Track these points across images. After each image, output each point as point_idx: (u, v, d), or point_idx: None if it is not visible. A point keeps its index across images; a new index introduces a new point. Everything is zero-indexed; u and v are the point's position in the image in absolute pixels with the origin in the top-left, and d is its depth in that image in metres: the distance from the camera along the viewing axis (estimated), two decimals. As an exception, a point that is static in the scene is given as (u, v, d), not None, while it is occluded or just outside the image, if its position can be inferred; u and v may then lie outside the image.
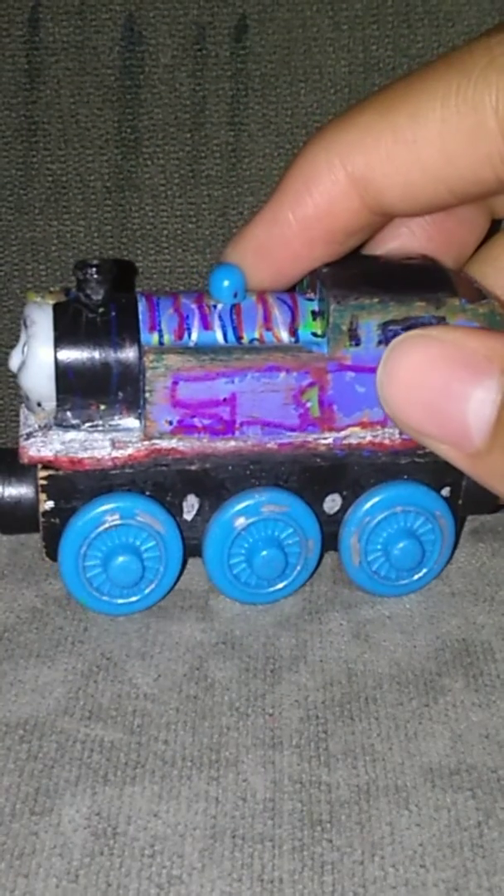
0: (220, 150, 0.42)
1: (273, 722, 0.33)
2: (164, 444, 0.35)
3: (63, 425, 0.35)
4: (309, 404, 0.35)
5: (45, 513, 0.35)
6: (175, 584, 0.37)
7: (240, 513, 0.36)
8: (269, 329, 0.35)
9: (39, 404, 0.35)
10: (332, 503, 0.37)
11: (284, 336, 0.35)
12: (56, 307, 0.35)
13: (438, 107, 0.31)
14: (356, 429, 0.35)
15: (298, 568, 0.37)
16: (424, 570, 0.37)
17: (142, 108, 0.42)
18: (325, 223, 0.34)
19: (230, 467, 0.36)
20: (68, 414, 0.35)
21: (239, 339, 0.35)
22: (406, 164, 0.32)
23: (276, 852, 0.28)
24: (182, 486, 0.36)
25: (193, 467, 0.35)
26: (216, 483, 0.36)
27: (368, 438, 0.36)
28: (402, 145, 0.32)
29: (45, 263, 0.43)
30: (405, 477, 0.37)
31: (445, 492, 0.37)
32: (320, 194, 0.33)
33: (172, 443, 0.35)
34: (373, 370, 0.34)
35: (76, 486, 0.35)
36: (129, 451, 0.35)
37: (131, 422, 0.35)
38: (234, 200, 0.43)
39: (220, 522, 0.36)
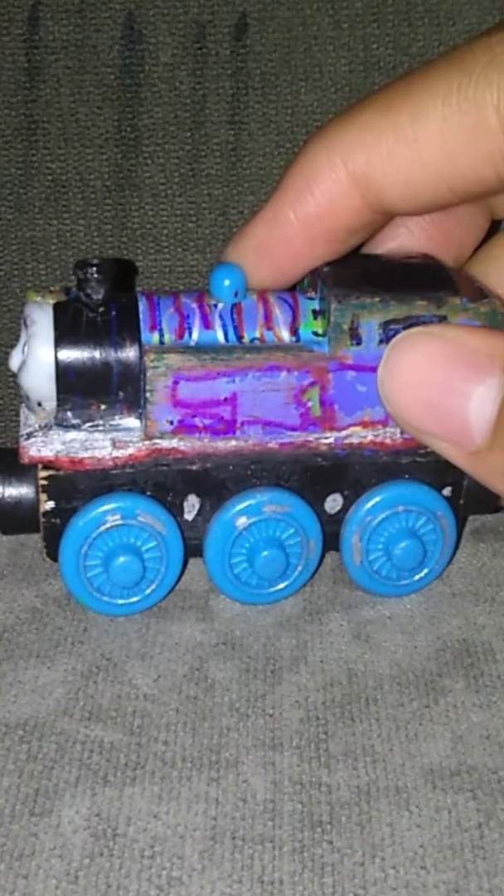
0: (221, 149, 0.42)
1: (273, 723, 0.33)
2: (165, 443, 0.35)
3: (63, 425, 0.35)
4: (310, 404, 0.35)
5: (46, 513, 0.35)
6: (176, 584, 0.37)
7: (241, 513, 0.36)
8: (269, 328, 0.35)
9: (40, 404, 0.35)
10: (333, 503, 0.37)
11: (285, 335, 0.35)
12: (56, 307, 0.35)
13: (439, 105, 0.31)
14: (357, 428, 0.35)
15: (299, 568, 0.37)
16: (426, 571, 0.37)
17: (142, 106, 0.42)
18: (326, 222, 0.34)
19: (231, 467, 0.36)
20: (69, 414, 0.35)
21: (240, 338, 0.35)
22: (407, 163, 0.32)
23: (276, 853, 0.28)
24: (183, 485, 0.36)
25: (194, 467, 0.35)
26: (217, 483, 0.36)
27: (370, 438, 0.36)
28: (403, 144, 0.31)
29: (45, 263, 0.43)
30: (406, 476, 0.37)
31: (447, 491, 0.37)
32: (321, 193, 0.33)
33: (173, 442, 0.35)
34: (374, 369, 0.34)
35: (77, 486, 0.35)
36: (130, 450, 0.35)
37: (132, 421, 0.35)
38: (234, 199, 0.43)
39: (221, 522, 0.36)
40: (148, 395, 0.34)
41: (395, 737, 0.32)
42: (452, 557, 0.39)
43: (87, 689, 0.34)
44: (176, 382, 0.34)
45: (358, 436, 0.35)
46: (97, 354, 0.34)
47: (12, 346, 0.36)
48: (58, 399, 0.35)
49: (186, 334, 0.34)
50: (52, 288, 0.36)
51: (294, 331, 0.35)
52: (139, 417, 0.35)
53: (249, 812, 0.30)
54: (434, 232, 0.37)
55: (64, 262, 0.43)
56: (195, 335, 0.34)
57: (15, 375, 0.35)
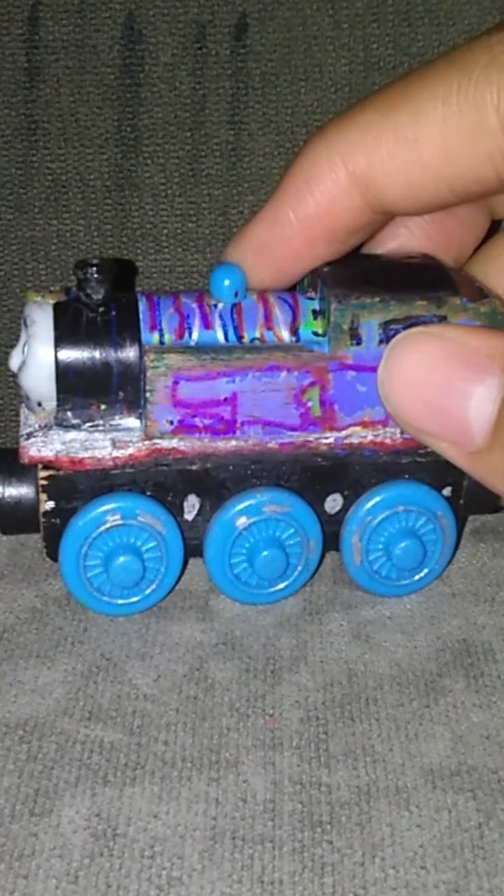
0: (221, 149, 0.42)
1: (273, 723, 0.33)
2: (165, 443, 0.35)
3: (63, 425, 0.35)
4: (310, 404, 0.35)
5: (46, 513, 0.35)
6: (176, 584, 0.37)
7: (241, 513, 0.36)
8: (269, 328, 0.35)
9: (40, 404, 0.35)
10: (333, 503, 0.37)
11: (285, 335, 0.35)
12: (56, 307, 0.35)
13: (439, 105, 0.31)
14: (357, 428, 0.35)
15: (299, 568, 0.37)
16: (426, 571, 0.37)
17: (142, 106, 0.42)
18: (326, 222, 0.34)
19: (231, 467, 0.35)
20: (69, 414, 0.35)
21: (240, 338, 0.35)
22: (407, 163, 0.32)
23: (276, 854, 0.28)
24: (183, 485, 0.36)
25: (194, 467, 0.35)
26: (217, 483, 0.36)
27: (370, 438, 0.35)
28: (403, 144, 0.31)
29: (45, 263, 0.43)
30: (406, 476, 0.37)
31: (447, 491, 0.37)
32: (321, 193, 0.33)
33: (173, 442, 0.35)
34: (374, 369, 0.34)
35: (77, 486, 0.35)
36: (130, 450, 0.35)
37: (132, 421, 0.35)
38: (234, 199, 0.43)
39: (221, 522, 0.36)
40: (148, 395, 0.34)
41: (395, 737, 0.32)
42: (452, 557, 0.39)
43: (87, 689, 0.34)
44: (176, 382, 0.34)
45: (358, 436, 0.35)
46: (97, 354, 0.34)
47: (12, 346, 0.36)
48: (58, 399, 0.35)
49: (186, 334, 0.34)
50: (52, 288, 0.36)
51: (294, 331, 0.35)
52: (139, 417, 0.35)
53: (249, 812, 0.30)
54: (434, 232, 0.37)
55: (64, 262, 0.43)
56: (195, 335, 0.34)
57: (15, 375, 0.35)
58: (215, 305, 0.35)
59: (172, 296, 0.35)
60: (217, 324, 0.35)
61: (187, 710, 0.33)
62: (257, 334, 0.35)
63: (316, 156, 0.33)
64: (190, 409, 0.34)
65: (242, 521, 0.36)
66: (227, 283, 0.35)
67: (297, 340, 0.35)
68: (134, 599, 0.36)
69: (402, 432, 0.35)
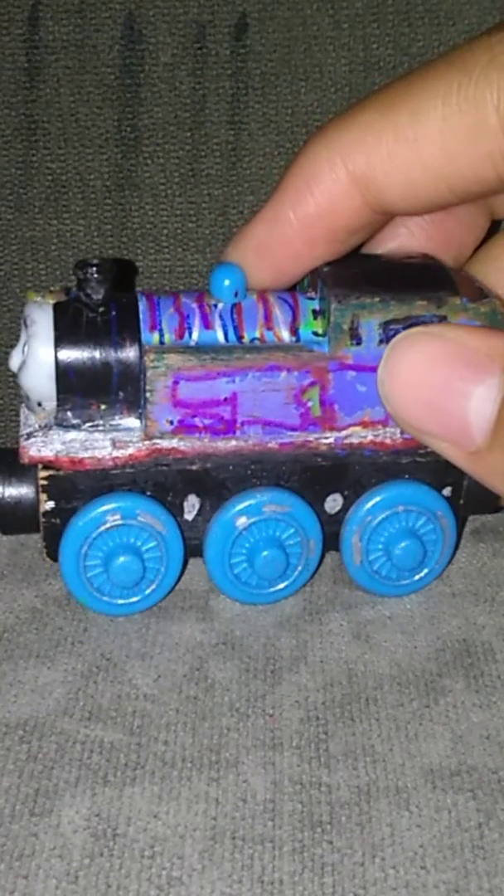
0: (221, 149, 0.42)
1: (273, 723, 0.33)
2: (165, 443, 0.35)
3: (63, 425, 0.35)
4: (310, 404, 0.35)
5: (46, 513, 0.35)
6: (176, 584, 0.37)
7: (241, 513, 0.36)
8: (270, 328, 0.35)
9: (40, 404, 0.35)
10: (333, 503, 0.37)
11: (285, 335, 0.35)
12: (56, 307, 0.35)
13: (439, 105, 0.31)
14: (357, 428, 0.35)
15: (299, 568, 0.37)
16: (426, 571, 0.37)
17: (142, 106, 0.42)
18: (326, 222, 0.34)
19: (231, 467, 0.35)
20: (69, 414, 0.35)
21: (240, 338, 0.35)
22: (407, 163, 0.32)
23: (276, 854, 0.28)
24: (183, 485, 0.36)
25: (194, 467, 0.35)
26: (217, 483, 0.36)
27: (370, 438, 0.35)
28: (403, 144, 0.31)
29: (45, 263, 0.43)
30: (406, 476, 0.37)
31: (447, 491, 0.37)
32: (321, 193, 0.33)
33: (173, 442, 0.35)
34: (374, 369, 0.34)
35: (77, 486, 0.35)
36: (130, 450, 0.35)
37: (132, 421, 0.35)
38: (234, 199, 0.43)
39: (221, 522, 0.36)
40: (148, 395, 0.34)
41: (395, 737, 0.32)
42: (452, 557, 0.39)
43: (87, 689, 0.34)
44: (176, 382, 0.34)
45: (358, 436, 0.35)
46: (97, 354, 0.34)
47: (12, 346, 0.36)
48: (58, 399, 0.35)
49: (186, 334, 0.34)
50: (52, 288, 0.36)
51: (294, 331, 0.35)
52: (139, 417, 0.35)
53: (249, 812, 0.30)
54: (434, 232, 0.37)
55: (64, 262, 0.43)
56: (195, 335, 0.34)
57: (15, 375, 0.35)
58: (215, 305, 0.35)
59: (172, 296, 0.35)
60: (217, 324, 0.35)
61: (187, 710, 0.33)
62: (257, 334, 0.35)
63: (316, 156, 0.33)
64: (190, 409, 0.34)
65: (242, 521, 0.36)
66: (227, 283, 0.35)
67: (297, 340, 0.35)
68: (134, 599, 0.36)
69: (402, 432, 0.35)
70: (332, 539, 0.37)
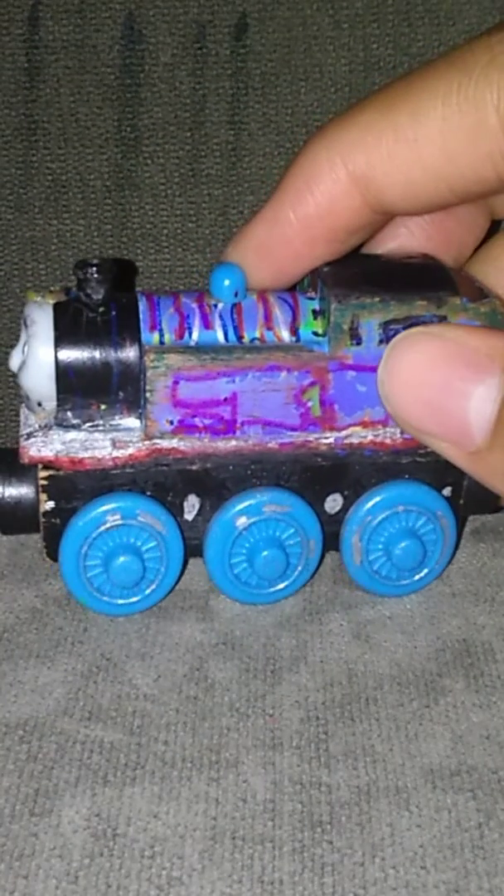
0: (221, 149, 0.42)
1: (273, 723, 0.33)
2: (165, 443, 0.35)
3: (63, 425, 0.35)
4: (310, 404, 0.35)
5: (46, 513, 0.35)
6: (176, 584, 0.37)
7: (241, 513, 0.36)
8: (270, 328, 0.35)
9: (40, 404, 0.35)
10: (333, 503, 0.37)
11: (285, 335, 0.35)
12: (56, 307, 0.35)
13: (439, 105, 0.31)
14: (357, 428, 0.35)
15: (299, 568, 0.37)
16: (426, 570, 0.37)
17: (142, 106, 0.42)
18: (326, 222, 0.34)
19: (231, 467, 0.35)
20: (69, 414, 0.35)
21: (240, 338, 0.35)
22: (407, 163, 0.32)
23: (276, 854, 0.28)
24: (183, 485, 0.36)
25: (194, 467, 0.35)
26: (217, 483, 0.36)
27: (370, 438, 0.35)
28: (403, 144, 0.31)
29: (45, 263, 0.43)
30: (406, 476, 0.37)
31: (447, 491, 0.37)
32: (321, 193, 0.33)
33: (173, 442, 0.35)
34: (374, 369, 0.34)
35: (77, 486, 0.35)
36: (130, 450, 0.35)
37: (132, 421, 0.35)
38: (234, 199, 0.43)
39: (221, 522, 0.36)
40: (148, 395, 0.34)
41: (395, 737, 0.32)
42: (452, 557, 0.39)
43: (87, 689, 0.34)
44: (176, 382, 0.34)
45: (358, 436, 0.35)
46: (97, 354, 0.34)
47: (12, 346, 0.36)
48: (58, 399, 0.35)
49: (186, 334, 0.34)
50: (52, 288, 0.36)
51: (294, 331, 0.35)
52: (139, 417, 0.35)
53: (249, 812, 0.30)
54: (434, 232, 0.37)
55: (64, 262, 0.43)
56: (195, 335, 0.34)
57: (15, 375, 0.35)
58: (215, 305, 0.35)
59: (172, 296, 0.35)
60: (217, 324, 0.35)
61: (187, 710, 0.33)
62: (257, 334, 0.35)
63: (316, 156, 0.33)
64: (190, 409, 0.34)
65: (242, 521, 0.36)
66: (227, 283, 0.35)
67: (297, 340, 0.35)
68: (134, 599, 0.36)
69: (402, 432, 0.35)
70: (332, 539, 0.37)
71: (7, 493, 0.36)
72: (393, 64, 0.42)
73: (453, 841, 0.29)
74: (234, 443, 0.35)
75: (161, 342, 0.34)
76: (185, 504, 0.36)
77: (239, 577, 0.36)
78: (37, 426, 0.35)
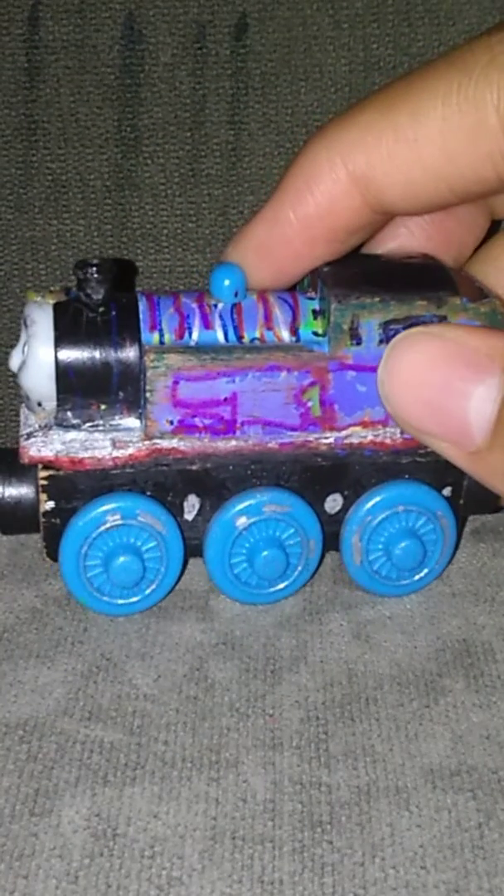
0: (221, 149, 0.42)
1: (273, 723, 0.33)
2: (165, 443, 0.35)
3: (63, 425, 0.35)
4: (310, 404, 0.35)
5: (46, 513, 0.35)
6: (176, 584, 0.37)
7: (241, 513, 0.36)
8: (270, 328, 0.35)
9: (40, 404, 0.35)
10: (333, 503, 0.37)
11: (285, 335, 0.35)
12: (56, 307, 0.35)
13: (439, 105, 0.31)
14: (357, 428, 0.35)
15: (299, 568, 0.37)
16: (426, 570, 0.37)
17: (142, 106, 0.42)
18: (326, 222, 0.34)
19: (231, 467, 0.35)
20: (69, 414, 0.35)
21: (240, 338, 0.35)
22: (407, 163, 0.32)
23: (276, 853, 0.28)
24: (183, 485, 0.36)
25: (194, 467, 0.35)
26: (217, 483, 0.36)
27: (370, 438, 0.35)
28: (403, 144, 0.31)
29: (45, 263, 0.43)
30: (406, 476, 0.37)
31: (447, 491, 0.37)
32: (321, 193, 0.33)
33: (173, 442, 0.35)
34: (374, 369, 0.34)
35: (77, 486, 0.35)
36: (130, 450, 0.35)
37: (132, 421, 0.35)
38: (234, 199, 0.43)
39: (221, 522, 0.36)
40: (148, 395, 0.34)
41: (395, 737, 0.32)
42: (452, 557, 0.39)
43: (87, 689, 0.34)
44: (176, 382, 0.34)
45: (358, 436, 0.35)
46: (97, 354, 0.34)
47: (12, 346, 0.36)
48: (58, 399, 0.35)
49: (186, 334, 0.34)
50: (52, 288, 0.36)
51: (294, 331, 0.35)
52: (139, 417, 0.35)
53: (249, 812, 0.30)
54: (434, 232, 0.37)
55: (64, 262, 0.43)
56: (195, 335, 0.34)
57: (15, 375, 0.35)
58: (215, 305, 0.35)
59: (172, 296, 0.35)
60: (217, 324, 0.35)
61: (187, 710, 0.33)
62: (257, 334, 0.35)
63: (316, 156, 0.33)
64: (190, 409, 0.34)
65: (242, 521, 0.36)
66: (227, 283, 0.35)
67: (297, 340, 0.35)
68: (134, 599, 0.36)
69: (402, 432, 0.35)
70: (332, 539, 0.37)
71: (7, 493, 0.36)
72: (393, 64, 0.42)
73: (453, 841, 0.29)
74: (234, 443, 0.35)
75: (161, 342, 0.34)
76: (185, 504, 0.36)
77: (239, 577, 0.36)
78: (37, 426, 0.35)
